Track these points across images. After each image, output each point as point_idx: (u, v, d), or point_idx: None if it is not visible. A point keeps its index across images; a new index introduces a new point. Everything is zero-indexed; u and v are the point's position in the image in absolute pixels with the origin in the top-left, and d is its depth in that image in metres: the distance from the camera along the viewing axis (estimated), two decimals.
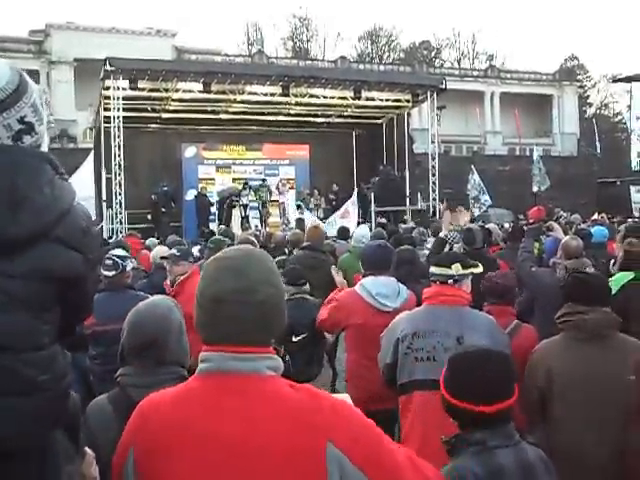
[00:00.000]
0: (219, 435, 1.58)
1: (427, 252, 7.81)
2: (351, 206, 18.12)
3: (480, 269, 3.87)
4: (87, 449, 2.10)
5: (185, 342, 2.60)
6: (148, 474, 1.65)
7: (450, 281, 3.68)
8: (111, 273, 4.97)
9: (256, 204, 20.21)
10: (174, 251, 5.88)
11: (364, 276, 4.74)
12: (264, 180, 19.83)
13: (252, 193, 20.07)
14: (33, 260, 1.82)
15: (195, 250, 8.14)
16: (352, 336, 4.63)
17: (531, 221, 15.04)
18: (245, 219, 19.54)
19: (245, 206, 19.77)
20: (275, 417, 1.57)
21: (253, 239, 7.56)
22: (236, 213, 19.83)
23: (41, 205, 1.83)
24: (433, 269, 3.76)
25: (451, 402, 2.33)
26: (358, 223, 15.83)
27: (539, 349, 3.52)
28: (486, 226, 10.02)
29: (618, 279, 4.71)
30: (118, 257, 5.07)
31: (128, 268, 5.14)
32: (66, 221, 1.87)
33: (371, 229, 12.05)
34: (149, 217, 18.64)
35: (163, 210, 18.49)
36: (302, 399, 1.63)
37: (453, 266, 3.70)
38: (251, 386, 1.62)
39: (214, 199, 20.00)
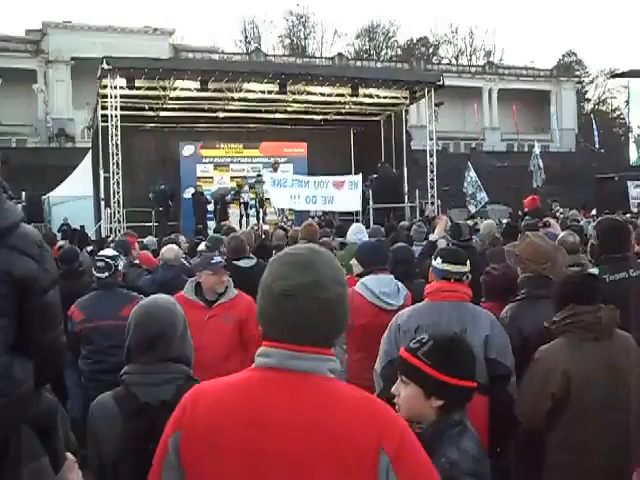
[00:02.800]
0: (273, 425, 1.57)
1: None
2: (348, 183, 17.91)
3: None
4: (68, 454, 2.11)
5: (189, 340, 2.62)
6: (193, 460, 1.64)
7: (464, 278, 3.73)
8: (104, 274, 4.95)
9: (253, 202, 20.17)
10: (219, 259, 5.05)
11: (360, 275, 4.66)
12: (259, 175, 19.81)
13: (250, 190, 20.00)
14: None
15: (202, 246, 8.19)
16: (355, 337, 4.54)
17: (526, 210, 15.09)
18: (245, 217, 19.51)
19: (246, 204, 19.73)
20: (331, 412, 1.58)
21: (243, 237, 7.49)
22: (235, 211, 19.83)
23: None
24: (447, 267, 3.73)
25: (445, 380, 2.33)
26: (355, 220, 15.81)
27: (546, 355, 3.35)
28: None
29: None
30: (109, 258, 5.03)
31: (120, 267, 5.11)
32: (19, 232, 1.95)
33: (369, 226, 12.04)
34: (153, 213, 18.53)
35: (160, 209, 18.45)
36: (361, 399, 1.66)
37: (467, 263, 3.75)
38: (310, 383, 1.62)
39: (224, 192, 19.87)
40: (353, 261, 4.81)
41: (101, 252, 5.09)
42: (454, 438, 2.29)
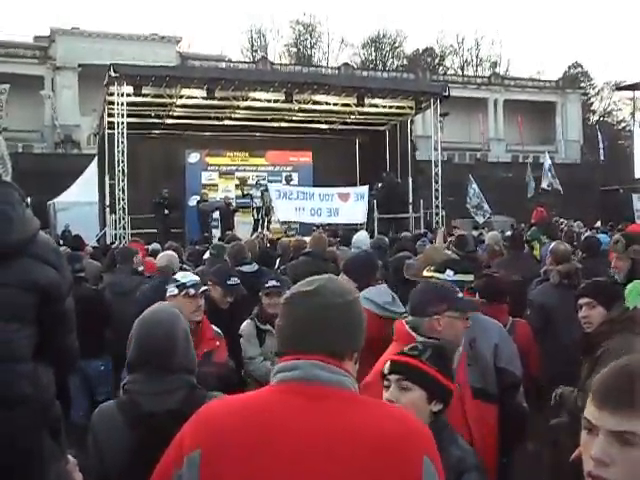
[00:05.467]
0: (308, 441, 1.54)
1: None
2: (354, 195, 17.95)
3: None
4: (69, 456, 2.13)
5: (192, 349, 2.62)
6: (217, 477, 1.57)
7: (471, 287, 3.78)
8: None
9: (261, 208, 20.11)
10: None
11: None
12: (261, 184, 19.84)
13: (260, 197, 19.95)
14: (19, 272, 1.89)
15: (207, 255, 8.22)
16: (364, 352, 4.46)
17: (533, 222, 15.11)
18: (261, 221, 19.39)
19: (258, 209, 19.67)
20: (365, 421, 1.59)
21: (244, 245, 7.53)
22: (244, 219, 19.81)
23: (18, 221, 1.92)
24: (461, 277, 3.73)
25: (447, 385, 2.46)
26: (359, 228, 15.80)
27: (624, 345, 3.18)
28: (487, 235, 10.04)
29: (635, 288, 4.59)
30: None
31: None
32: (38, 241, 1.98)
33: (373, 236, 12.05)
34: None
35: (153, 215, 18.30)
36: (392, 409, 1.73)
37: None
38: (340, 394, 1.63)
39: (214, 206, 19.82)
40: (343, 278, 4.55)
41: (179, 275, 4.38)
42: (451, 437, 2.42)
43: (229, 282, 4.91)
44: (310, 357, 1.64)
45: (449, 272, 3.74)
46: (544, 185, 26.43)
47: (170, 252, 7.10)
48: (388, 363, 2.51)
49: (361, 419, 1.58)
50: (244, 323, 5.13)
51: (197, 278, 4.27)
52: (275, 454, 1.53)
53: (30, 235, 2.00)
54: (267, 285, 5.03)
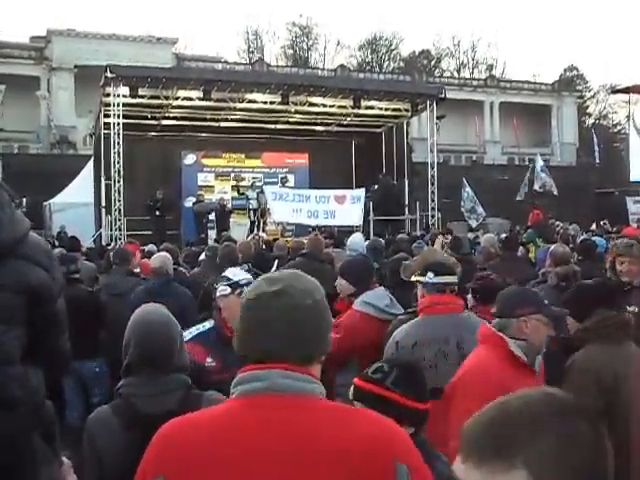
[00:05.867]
0: (272, 451, 1.46)
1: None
2: (350, 198, 17.97)
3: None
4: (64, 458, 2.13)
5: (184, 349, 2.63)
6: None
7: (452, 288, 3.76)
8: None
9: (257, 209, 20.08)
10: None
11: (354, 294, 4.47)
12: (257, 185, 19.80)
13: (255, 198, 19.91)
14: (8, 273, 1.89)
15: (202, 257, 8.22)
16: (366, 357, 4.41)
17: (529, 224, 15.13)
18: (257, 223, 19.37)
19: (254, 210, 19.64)
20: (337, 427, 1.51)
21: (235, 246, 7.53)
22: (240, 220, 19.79)
23: (6, 222, 1.92)
24: (442, 279, 3.75)
25: (416, 407, 2.39)
26: (354, 230, 15.77)
27: (590, 357, 3.32)
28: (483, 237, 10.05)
29: None
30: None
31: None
32: (29, 242, 1.97)
33: (369, 237, 12.05)
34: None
35: (148, 218, 18.23)
36: (362, 413, 1.66)
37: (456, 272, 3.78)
38: (308, 403, 1.54)
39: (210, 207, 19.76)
40: (341, 282, 4.59)
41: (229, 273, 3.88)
42: (433, 452, 2.35)
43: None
44: (277, 365, 1.53)
45: (430, 274, 3.76)
46: (536, 187, 26.17)
47: (164, 253, 7.06)
48: (352, 388, 2.43)
49: (330, 426, 1.51)
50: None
51: (250, 276, 3.75)
52: (242, 473, 1.46)
53: (20, 236, 1.99)
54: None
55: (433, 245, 8.96)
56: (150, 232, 17.32)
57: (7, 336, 1.92)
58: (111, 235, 17.39)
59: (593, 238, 10.94)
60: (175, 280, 6.58)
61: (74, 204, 22.32)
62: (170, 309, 2.76)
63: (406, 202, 20.92)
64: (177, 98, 19.23)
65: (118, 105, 17.61)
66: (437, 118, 21.73)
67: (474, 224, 20.83)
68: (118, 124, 17.65)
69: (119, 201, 17.58)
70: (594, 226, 20.33)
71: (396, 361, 2.61)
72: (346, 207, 17.71)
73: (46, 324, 2.04)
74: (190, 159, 22.06)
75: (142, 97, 18.51)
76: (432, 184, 20.62)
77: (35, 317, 2.00)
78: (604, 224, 17.08)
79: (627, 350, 3.30)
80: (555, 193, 24.61)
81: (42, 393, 2.02)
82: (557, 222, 18.47)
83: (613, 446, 1.02)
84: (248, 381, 1.54)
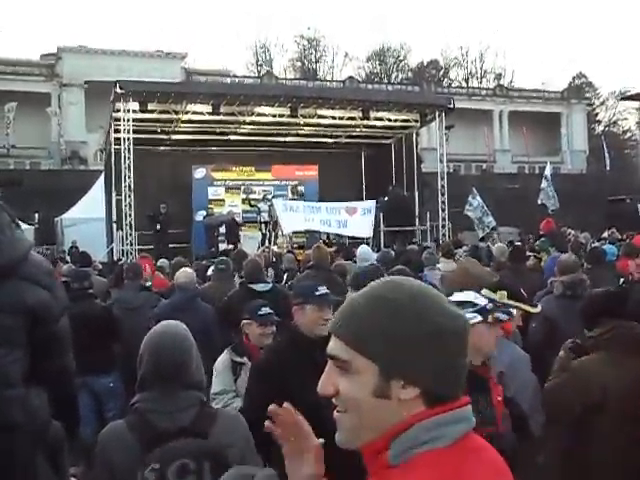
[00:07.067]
0: None
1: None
2: (361, 210, 18.01)
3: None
4: (72, 475, 2.13)
5: (201, 365, 2.62)
6: None
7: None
8: None
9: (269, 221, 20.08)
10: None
11: None
12: (268, 199, 19.85)
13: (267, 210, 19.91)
14: (8, 294, 1.89)
15: (210, 272, 8.18)
16: None
17: (541, 232, 15.03)
18: (265, 237, 19.26)
19: (266, 223, 19.61)
20: None
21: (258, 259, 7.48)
22: (250, 233, 19.82)
23: (6, 244, 1.92)
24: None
25: None
26: (367, 242, 15.75)
27: (585, 366, 3.38)
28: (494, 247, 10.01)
29: None
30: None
31: None
32: (30, 262, 1.97)
33: (379, 249, 12.03)
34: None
35: (150, 232, 18.20)
36: None
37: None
38: None
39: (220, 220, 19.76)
40: (351, 292, 4.45)
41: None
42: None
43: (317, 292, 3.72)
44: None
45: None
46: (540, 201, 25.04)
47: (189, 269, 7.08)
48: None
49: None
50: (220, 357, 4.53)
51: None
52: None
53: (19, 256, 1.99)
54: (261, 313, 4.35)
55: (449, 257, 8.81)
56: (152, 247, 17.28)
57: (8, 359, 1.91)
58: (123, 250, 17.42)
59: (604, 246, 10.88)
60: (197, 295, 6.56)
61: (85, 219, 22.45)
62: (194, 324, 2.76)
63: (417, 213, 20.89)
64: (187, 112, 19.31)
65: (128, 120, 17.70)
66: (446, 128, 21.71)
67: (480, 234, 20.68)
68: (128, 139, 17.72)
69: (130, 216, 17.62)
70: (606, 234, 20.21)
71: None
72: (357, 218, 17.73)
73: (48, 343, 2.03)
74: (200, 173, 22.12)
75: (152, 112, 18.60)
76: (442, 194, 20.58)
77: (36, 337, 1.99)
78: (612, 233, 16.93)
79: (627, 362, 3.28)
80: (552, 208, 23.76)
81: (46, 413, 2.01)
82: (569, 230, 18.35)
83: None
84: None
